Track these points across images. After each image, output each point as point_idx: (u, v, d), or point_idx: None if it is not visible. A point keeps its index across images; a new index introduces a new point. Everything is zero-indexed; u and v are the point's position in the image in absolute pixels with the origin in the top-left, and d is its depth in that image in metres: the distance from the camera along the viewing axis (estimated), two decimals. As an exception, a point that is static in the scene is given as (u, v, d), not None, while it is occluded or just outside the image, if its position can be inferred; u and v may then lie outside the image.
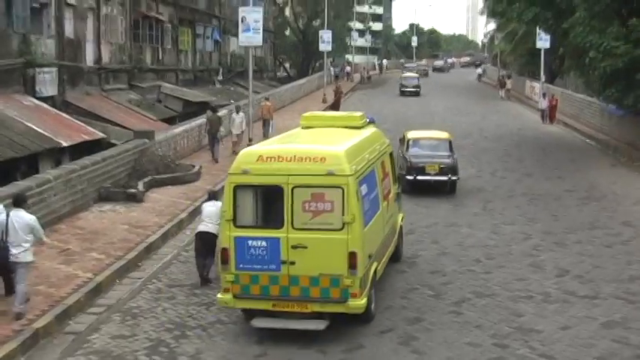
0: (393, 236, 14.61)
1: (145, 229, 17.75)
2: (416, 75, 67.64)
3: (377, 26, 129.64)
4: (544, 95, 41.41)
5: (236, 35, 61.98)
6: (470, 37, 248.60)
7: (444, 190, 22.10)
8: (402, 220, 15.74)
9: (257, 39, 29.04)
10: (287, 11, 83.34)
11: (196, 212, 17.98)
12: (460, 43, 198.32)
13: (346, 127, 14.51)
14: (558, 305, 13.00)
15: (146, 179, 21.84)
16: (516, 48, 59.76)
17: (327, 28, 60.34)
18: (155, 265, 15.61)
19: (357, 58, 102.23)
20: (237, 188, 11.45)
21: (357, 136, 13.63)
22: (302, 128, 14.97)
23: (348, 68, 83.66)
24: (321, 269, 11.15)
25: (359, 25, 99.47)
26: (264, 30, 71.50)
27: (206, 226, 14.66)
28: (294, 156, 11.40)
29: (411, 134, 23.82)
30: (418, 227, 18.24)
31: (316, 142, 13.03)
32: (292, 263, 11.21)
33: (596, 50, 27.95)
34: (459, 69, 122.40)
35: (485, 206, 20.86)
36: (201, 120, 29.98)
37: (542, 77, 50.41)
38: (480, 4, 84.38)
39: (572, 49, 30.34)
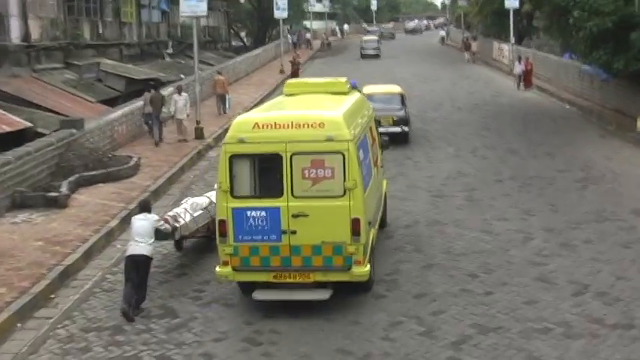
0: (380, 203, 14.13)
1: (63, 245, 14.45)
2: (375, 38, 70.25)
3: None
4: (519, 59, 38.08)
5: (185, 4, 58.69)
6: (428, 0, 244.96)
7: (398, 139, 22.35)
8: (386, 186, 15.26)
9: (202, 8, 25.52)
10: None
11: (130, 217, 14.75)
12: (419, 5, 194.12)
13: (331, 94, 13.77)
14: (585, 342, 10.01)
15: (72, 178, 18.50)
16: (482, 9, 56.44)
17: (283, -6, 56.81)
18: (72, 297, 12.39)
19: (316, 24, 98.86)
20: (233, 158, 11.02)
21: (346, 102, 12.98)
22: (285, 96, 14.17)
23: (308, 35, 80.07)
24: (323, 237, 10.85)
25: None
26: (215, -2, 67.23)
27: (137, 245, 11.71)
28: (292, 122, 11.03)
29: (367, 89, 23.81)
30: (396, 228, 15.18)
31: (310, 107, 12.45)
32: (293, 232, 10.90)
33: (581, 9, 24.96)
34: (431, 31, 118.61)
35: (471, 196, 17.77)
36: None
37: (512, 39, 47.53)
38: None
39: (552, 7, 27.23)
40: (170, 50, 50.00)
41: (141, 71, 37.90)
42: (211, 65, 49.82)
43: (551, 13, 28.26)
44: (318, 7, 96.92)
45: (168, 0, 50.85)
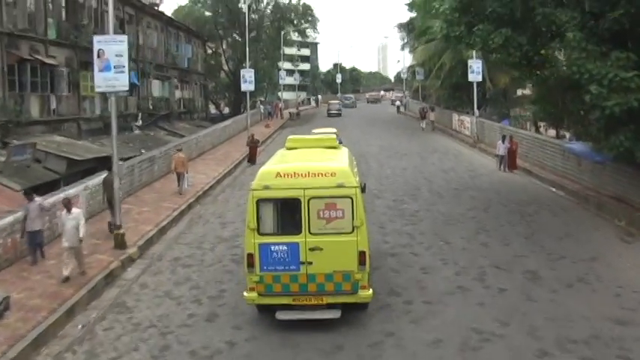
0: None
1: None
2: (338, 102, 76.64)
3: (305, 66, 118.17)
4: (502, 138, 28.16)
5: (158, 78, 49.25)
6: (383, 74, 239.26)
7: None
8: None
9: (121, 82, 16.32)
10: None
11: None
12: (376, 79, 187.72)
13: (325, 147, 13.20)
14: None
15: None
16: (443, 82, 47.89)
17: (255, 69, 48.06)
18: None
19: (287, 95, 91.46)
20: (260, 201, 10.86)
21: (342, 155, 12.70)
22: (287, 149, 13.22)
23: (281, 104, 72.08)
24: (335, 267, 10.75)
25: (288, 65, 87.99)
26: (193, 72, 58.31)
27: None
28: (309, 172, 10.92)
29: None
30: None
31: (318, 160, 11.98)
32: (310, 263, 10.78)
33: (598, 83, 16.06)
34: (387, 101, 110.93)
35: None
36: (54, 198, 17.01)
37: (476, 112, 38.81)
38: (390, 47, 78.22)
39: (559, 81, 18.32)
40: (139, 123, 40.62)
41: (90, 148, 28.28)
42: (181, 136, 40.66)
43: (549, 88, 19.20)
44: (289, 80, 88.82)
45: (139, 74, 41.68)
